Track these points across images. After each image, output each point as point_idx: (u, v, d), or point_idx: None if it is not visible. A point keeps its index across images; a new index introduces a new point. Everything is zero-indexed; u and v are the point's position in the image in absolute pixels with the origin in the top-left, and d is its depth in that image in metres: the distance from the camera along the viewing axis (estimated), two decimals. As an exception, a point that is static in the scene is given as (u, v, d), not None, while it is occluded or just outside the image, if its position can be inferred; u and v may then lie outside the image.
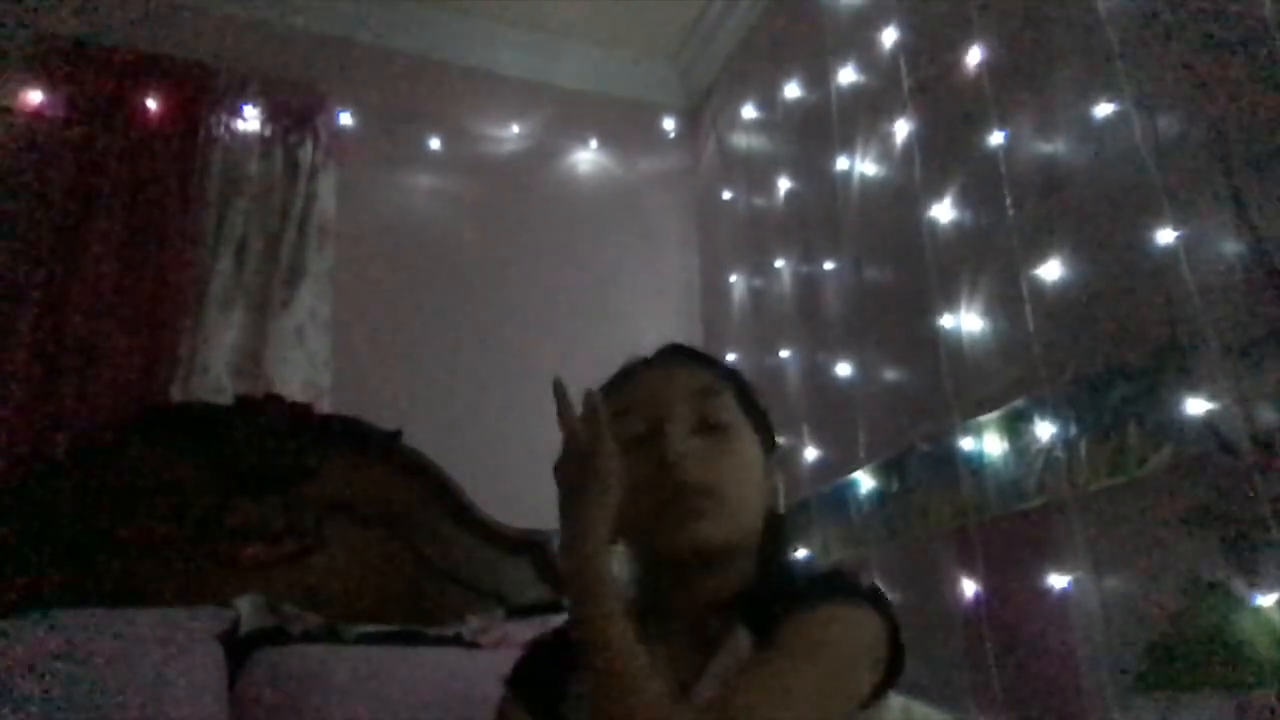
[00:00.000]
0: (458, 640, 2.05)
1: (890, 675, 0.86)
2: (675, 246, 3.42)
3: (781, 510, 1.02)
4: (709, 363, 1.06)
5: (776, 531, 1.00)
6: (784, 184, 2.87)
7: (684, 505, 0.90)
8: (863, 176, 2.48)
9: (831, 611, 0.84)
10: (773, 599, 0.87)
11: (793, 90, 2.87)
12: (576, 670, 0.87)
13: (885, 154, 2.40)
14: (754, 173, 3.10)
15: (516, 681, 1.00)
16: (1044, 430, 1.74)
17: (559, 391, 0.88)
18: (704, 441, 0.94)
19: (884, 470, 2.21)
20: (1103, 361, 1.65)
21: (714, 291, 3.29)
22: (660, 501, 0.91)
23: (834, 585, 0.89)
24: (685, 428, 0.95)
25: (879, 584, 0.92)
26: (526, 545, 2.47)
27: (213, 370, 2.48)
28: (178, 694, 1.67)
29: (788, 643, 0.81)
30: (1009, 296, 1.88)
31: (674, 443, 0.92)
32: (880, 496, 2.22)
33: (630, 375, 1.05)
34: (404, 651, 1.93)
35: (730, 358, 3.05)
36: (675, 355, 1.07)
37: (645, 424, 0.95)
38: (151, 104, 2.65)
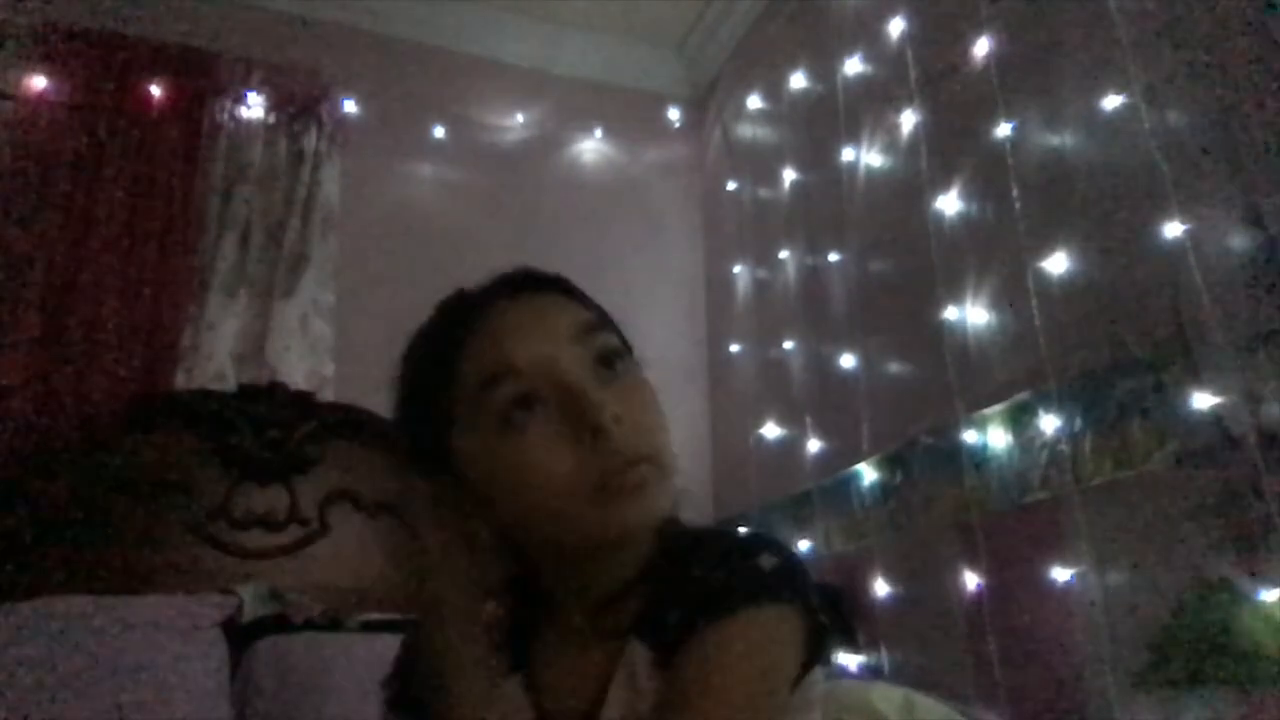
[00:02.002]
0: (460, 629, 2.05)
1: (813, 654, 0.73)
2: (680, 237, 3.42)
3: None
4: (566, 287, 0.82)
5: None
6: (789, 175, 2.85)
7: (625, 480, 0.69)
8: (868, 168, 2.47)
9: (749, 622, 0.68)
10: (671, 596, 0.72)
11: (799, 81, 2.86)
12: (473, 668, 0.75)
13: (891, 145, 2.38)
14: (759, 164, 3.09)
15: (398, 692, 0.83)
16: (1048, 424, 1.73)
17: None
18: (614, 390, 0.73)
19: (887, 463, 2.21)
20: (1108, 355, 1.64)
21: (718, 282, 3.28)
22: (595, 485, 0.69)
23: (742, 581, 0.70)
24: (590, 376, 0.73)
25: (787, 547, 0.75)
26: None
27: (216, 358, 2.48)
28: (180, 680, 1.68)
29: (700, 677, 0.66)
30: (1015, 289, 1.87)
31: (600, 406, 0.70)
32: (883, 489, 2.22)
33: (478, 320, 0.77)
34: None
35: (734, 349, 3.05)
36: (526, 287, 0.80)
37: (532, 389, 0.72)
38: (156, 91, 2.65)
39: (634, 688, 0.71)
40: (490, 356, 0.73)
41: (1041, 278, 1.80)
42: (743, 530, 0.67)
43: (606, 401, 0.71)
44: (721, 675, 0.66)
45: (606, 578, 0.76)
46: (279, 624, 1.96)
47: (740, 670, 0.67)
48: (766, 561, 0.72)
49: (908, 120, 2.29)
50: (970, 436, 1.93)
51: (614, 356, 0.75)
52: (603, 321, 0.79)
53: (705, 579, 0.70)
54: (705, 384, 3.24)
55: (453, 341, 0.76)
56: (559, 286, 0.80)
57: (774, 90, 3.03)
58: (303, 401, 2.35)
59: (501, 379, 0.72)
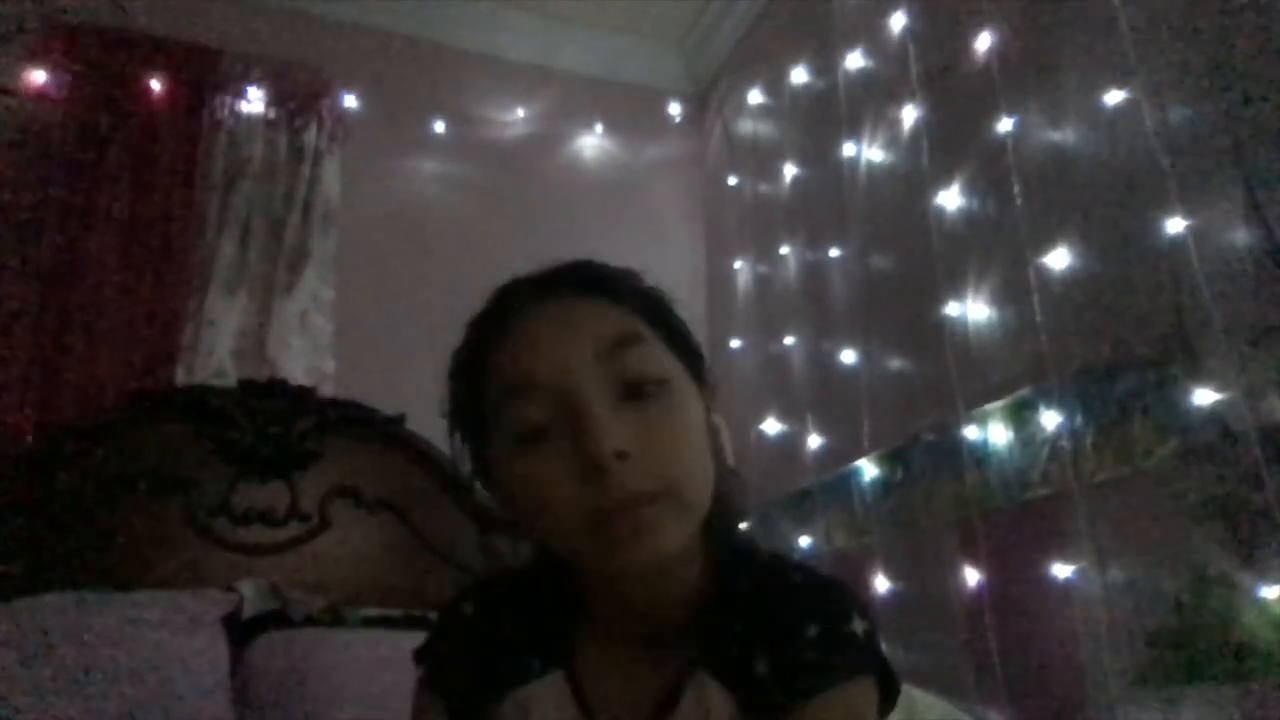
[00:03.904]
0: (460, 625, 2.05)
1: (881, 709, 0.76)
2: (680, 233, 3.41)
3: (730, 461, 0.78)
4: (615, 289, 0.76)
5: (726, 496, 0.76)
6: (790, 170, 2.85)
7: (630, 522, 0.66)
8: (870, 163, 2.46)
9: (850, 698, 0.70)
10: (750, 639, 0.72)
11: (800, 76, 2.85)
12: (516, 659, 0.77)
13: (893, 141, 2.38)
14: (760, 159, 3.09)
15: (434, 672, 0.82)
16: (1050, 420, 1.73)
17: None
18: (636, 417, 0.68)
19: (888, 459, 2.21)
20: (1109, 351, 1.64)
21: (719, 278, 3.28)
22: (592, 521, 0.66)
23: (841, 653, 0.70)
24: (607, 401, 0.68)
25: (867, 601, 0.76)
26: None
27: (216, 354, 2.48)
28: (181, 676, 1.68)
29: None
30: (1016, 285, 1.87)
31: (602, 438, 0.66)
32: (884, 485, 2.21)
33: (512, 324, 0.74)
34: (406, 635, 1.93)
35: (735, 345, 3.04)
36: (570, 286, 0.76)
37: (550, 405, 0.69)
38: (156, 86, 2.64)
39: None
40: (512, 369, 0.71)
41: (1043, 274, 1.80)
42: (803, 566, 0.68)
43: (616, 431, 0.66)
44: None
45: (654, 599, 0.74)
46: (279, 620, 1.96)
47: None
48: (859, 626, 0.71)
49: (909, 115, 2.29)
50: (971, 433, 1.92)
51: (642, 378, 0.70)
52: (640, 334, 0.73)
53: (798, 643, 0.70)
54: (706, 380, 3.23)
55: (485, 347, 0.75)
56: (603, 287, 0.76)
57: (775, 85, 3.02)
58: (303, 397, 2.34)
59: (520, 391, 0.70)
